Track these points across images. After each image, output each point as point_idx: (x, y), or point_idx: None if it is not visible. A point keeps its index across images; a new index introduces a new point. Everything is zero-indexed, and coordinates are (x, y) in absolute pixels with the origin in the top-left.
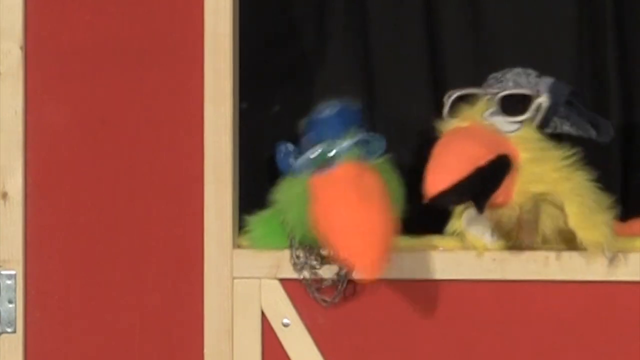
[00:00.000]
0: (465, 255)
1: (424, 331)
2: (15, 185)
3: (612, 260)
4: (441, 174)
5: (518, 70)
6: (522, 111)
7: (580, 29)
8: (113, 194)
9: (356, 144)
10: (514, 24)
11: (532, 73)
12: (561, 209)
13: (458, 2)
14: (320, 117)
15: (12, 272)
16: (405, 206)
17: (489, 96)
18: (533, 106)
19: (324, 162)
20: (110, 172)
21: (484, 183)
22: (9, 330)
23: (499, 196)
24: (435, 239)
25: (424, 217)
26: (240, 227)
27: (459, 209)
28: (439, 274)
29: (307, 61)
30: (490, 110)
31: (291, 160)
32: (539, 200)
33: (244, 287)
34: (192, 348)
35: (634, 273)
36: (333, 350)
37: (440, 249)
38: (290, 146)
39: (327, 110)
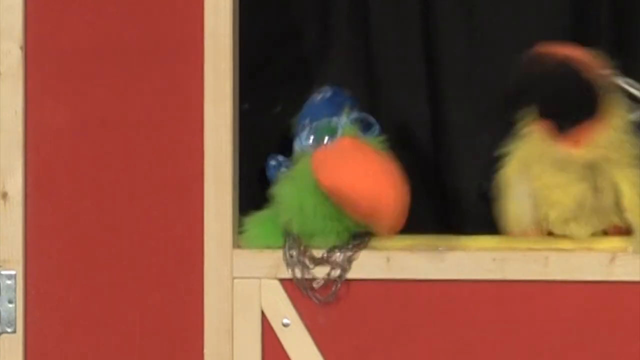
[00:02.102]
0: (466, 255)
1: (424, 331)
2: (15, 185)
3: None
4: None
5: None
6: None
7: (575, 30)
8: (113, 194)
9: (353, 120)
10: (511, 24)
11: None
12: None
13: (456, 3)
14: (313, 102)
15: (12, 272)
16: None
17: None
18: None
19: (325, 136)
20: (110, 172)
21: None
22: (9, 330)
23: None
24: (436, 239)
25: (423, 216)
26: (240, 228)
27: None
28: (439, 274)
29: (307, 61)
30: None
31: (283, 170)
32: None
33: (244, 287)
34: (192, 348)
35: (634, 273)
36: (333, 350)
37: (440, 249)
38: (280, 158)
39: (320, 95)
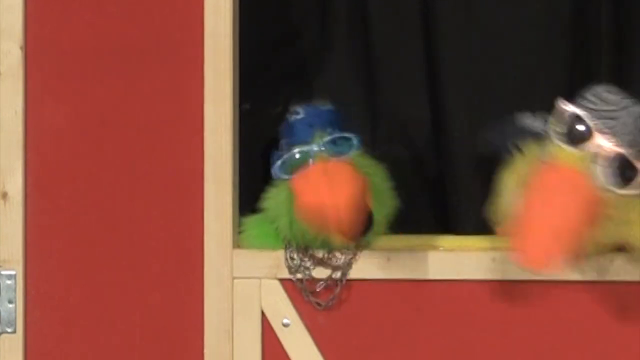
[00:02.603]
0: (466, 255)
1: (424, 331)
2: (15, 185)
3: None
4: (541, 251)
5: (633, 110)
6: (630, 176)
7: (574, 29)
8: (113, 194)
9: (326, 144)
10: (512, 24)
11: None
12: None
13: (456, 3)
14: (290, 122)
15: (12, 272)
16: (403, 205)
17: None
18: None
19: (299, 166)
20: (110, 172)
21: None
22: (9, 330)
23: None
24: (436, 239)
25: (423, 216)
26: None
27: None
28: (439, 274)
29: (307, 61)
30: (599, 162)
31: (272, 172)
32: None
33: (244, 287)
34: (192, 348)
35: (633, 273)
36: (333, 350)
37: (441, 249)
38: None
39: (294, 114)
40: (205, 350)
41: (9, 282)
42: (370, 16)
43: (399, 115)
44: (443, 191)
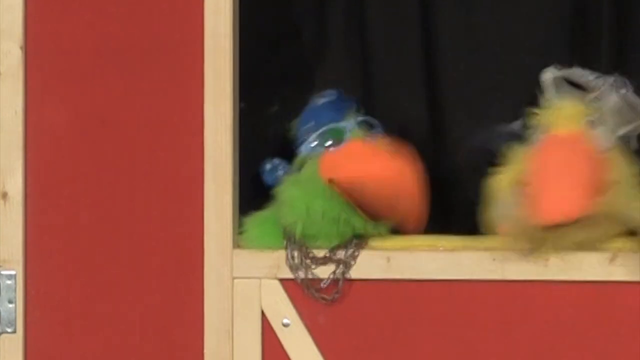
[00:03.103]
0: (465, 255)
1: (424, 331)
2: (15, 185)
3: None
4: (563, 204)
5: (620, 81)
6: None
7: (575, 30)
8: (113, 194)
9: (359, 123)
10: (509, 24)
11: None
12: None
13: (456, 3)
14: (317, 105)
15: (12, 272)
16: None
17: (592, 97)
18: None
19: (334, 141)
20: (110, 172)
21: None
22: (9, 330)
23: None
24: (436, 239)
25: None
26: (240, 228)
27: None
28: (439, 274)
29: (306, 61)
30: (594, 116)
31: (279, 173)
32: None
33: (244, 287)
34: (192, 348)
35: (634, 273)
36: (333, 350)
37: (441, 249)
38: (276, 161)
39: (324, 98)
40: (205, 350)
41: (9, 282)
42: (369, 16)
43: (397, 114)
44: (443, 191)
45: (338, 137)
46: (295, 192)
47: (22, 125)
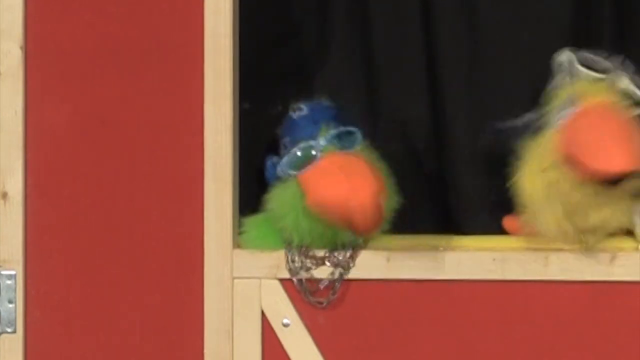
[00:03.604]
0: (465, 255)
1: (424, 331)
2: (15, 185)
3: None
4: (627, 154)
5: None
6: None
7: (576, 27)
8: (113, 194)
9: (332, 138)
10: (512, 24)
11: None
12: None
13: (457, 2)
14: (292, 120)
15: (12, 272)
16: (403, 205)
17: (613, 75)
18: None
19: (305, 162)
20: (110, 172)
21: None
22: (9, 330)
23: None
24: (436, 239)
25: (423, 216)
26: (240, 228)
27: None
28: (439, 274)
29: (307, 61)
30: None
31: (278, 170)
32: None
33: (244, 287)
34: (192, 348)
35: (634, 273)
36: (333, 350)
37: (440, 249)
38: (276, 158)
39: (297, 112)
40: (205, 350)
41: (9, 282)
42: (371, 15)
43: (399, 114)
44: (443, 191)
45: (308, 160)
46: (283, 209)
47: (22, 125)
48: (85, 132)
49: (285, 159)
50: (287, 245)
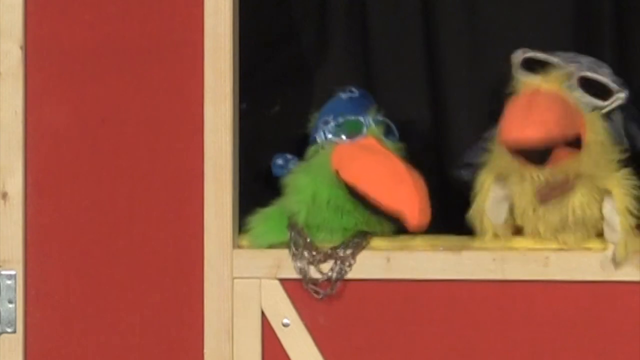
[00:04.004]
0: (466, 255)
1: (424, 331)
2: (15, 185)
3: (616, 261)
4: (537, 125)
5: (591, 58)
6: (599, 97)
7: (576, 27)
8: (113, 194)
9: (378, 122)
10: (510, 23)
11: (604, 66)
12: (600, 197)
13: (457, 2)
14: (340, 98)
15: (12, 272)
16: None
17: (566, 69)
18: (613, 98)
19: (352, 133)
20: (110, 172)
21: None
22: (9, 330)
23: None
24: (436, 239)
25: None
26: (240, 228)
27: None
28: (439, 274)
29: (307, 61)
30: (569, 83)
31: (290, 168)
32: (580, 179)
33: (244, 287)
34: (192, 348)
35: (634, 273)
36: (333, 350)
37: (440, 249)
38: (288, 156)
39: (348, 93)
40: (205, 351)
41: (9, 282)
42: (370, 15)
43: (399, 114)
44: (443, 191)
45: (355, 130)
46: (303, 179)
47: (22, 125)
48: (85, 132)
49: (332, 125)
50: (292, 229)
